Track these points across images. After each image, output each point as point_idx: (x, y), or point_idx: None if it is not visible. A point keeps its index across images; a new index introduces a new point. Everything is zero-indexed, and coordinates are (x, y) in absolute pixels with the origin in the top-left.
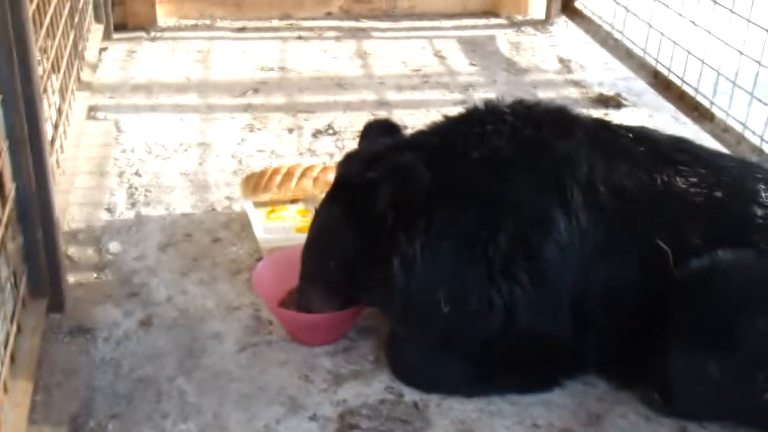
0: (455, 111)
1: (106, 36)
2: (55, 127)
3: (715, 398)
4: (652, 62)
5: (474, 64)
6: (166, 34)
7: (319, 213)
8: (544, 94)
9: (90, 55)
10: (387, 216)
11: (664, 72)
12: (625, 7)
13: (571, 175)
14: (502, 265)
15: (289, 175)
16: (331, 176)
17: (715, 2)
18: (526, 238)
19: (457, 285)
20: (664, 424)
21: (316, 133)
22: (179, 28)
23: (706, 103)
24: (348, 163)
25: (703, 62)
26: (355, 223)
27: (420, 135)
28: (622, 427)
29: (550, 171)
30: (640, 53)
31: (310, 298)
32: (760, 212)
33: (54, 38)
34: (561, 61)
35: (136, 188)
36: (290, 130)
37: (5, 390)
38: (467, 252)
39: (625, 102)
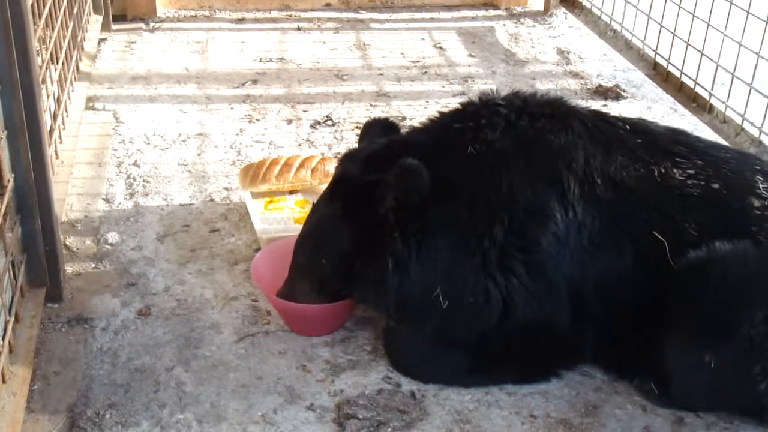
0: (454, 102)
1: (105, 27)
2: (54, 117)
3: (712, 389)
4: (651, 54)
5: (473, 56)
6: (165, 25)
7: (316, 209)
8: (543, 86)
9: (89, 45)
10: (387, 218)
11: (663, 63)
12: None
13: (568, 167)
14: (499, 258)
15: (287, 165)
16: (329, 167)
17: None
18: (523, 231)
19: (454, 278)
20: (661, 414)
21: (315, 124)
22: (178, 19)
23: (704, 95)
24: (348, 162)
25: (702, 53)
26: (352, 223)
27: (416, 133)
28: (619, 417)
29: (547, 163)
30: (639, 44)
31: (296, 290)
32: (757, 204)
33: (53, 29)
34: (560, 52)
35: (135, 179)
36: (289, 121)
37: (3, 379)
38: (463, 245)
39: (623, 93)
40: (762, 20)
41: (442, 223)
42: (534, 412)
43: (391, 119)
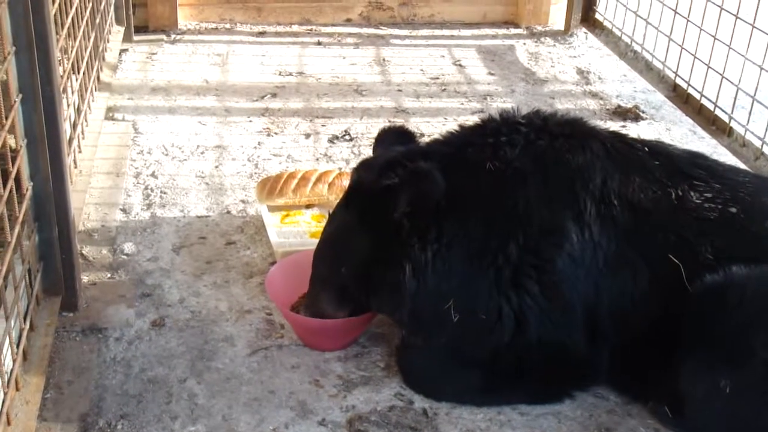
0: (473, 120)
1: (127, 37)
2: (74, 126)
3: (727, 414)
4: (671, 75)
5: (492, 74)
6: (186, 37)
7: (333, 218)
8: (562, 105)
9: (110, 56)
10: (402, 223)
11: (683, 85)
12: (646, 20)
13: (585, 188)
14: (513, 276)
15: (304, 180)
16: (346, 182)
17: (737, 17)
18: (538, 249)
19: (467, 293)
20: None
21: (333, 139)
22: (199, 31)
23: (724, 118)
24: (363, 170)
25: (722, 76)
26: (369, 229)
27: (434, 144)
28: None
29: (564, 183)
30: (659, 66)
31: (319, 302)
32: None
33: (75, 39)
34: (580, 72)
35: (152, 189)
36: (307, 135)
37: (17, 387)
38: (477, 261)
39: (643, 114)
40: None
41: (458, 236)
42: None
43: (406, 127)
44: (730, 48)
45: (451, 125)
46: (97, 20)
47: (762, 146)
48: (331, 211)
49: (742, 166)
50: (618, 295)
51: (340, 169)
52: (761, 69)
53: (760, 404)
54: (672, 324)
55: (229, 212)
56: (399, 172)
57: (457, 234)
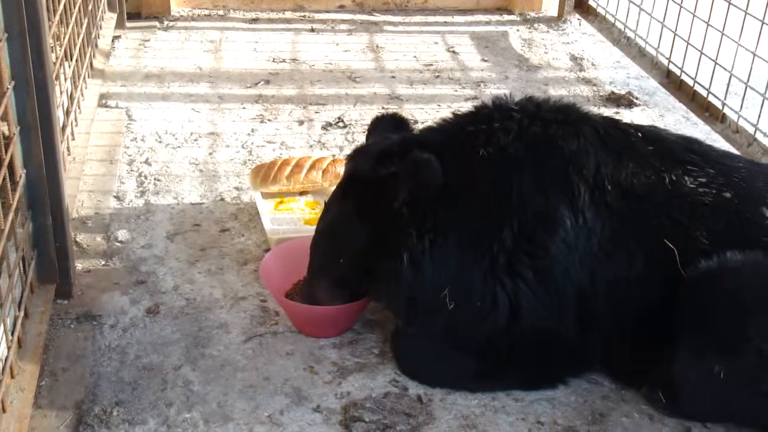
0: (466, 107)
1: (120, 24)
2: (67, 113)
3: (721, 399)
4: (665, 62)
5: (486, 60)
6: (179, 24)
7: (329, 207)
8: (556, 92)
9: (103, 43)
10: (401, 212)
11: (677, 72)
12: (639, 6)
13: (579, 174)
14: (507, 262)
15: (298, 166)
16: (340, 169)
17: (730, 3)
18: (532, 236)
19: (463, 281)
20: (668, 424)
21: (327, 126)
22: (192, 18)
23: (717, 104)
24: (359, 158)
25: (715, 62)
26: (367, 219)
27: (429, 131)
28: (626, 426)
29: (558, 169)
30: (652, 52)
31: (317, 290)
32: None
33: (67, 25)
34: (573, 58)
35: (146, 177)
36: (300, 122)
37: (12, 374)
38: (472, 248)
39: (636, 101)
40: None
41: (453, 224)
42: (541, 419)
43: (400, 115)
44: (723, 34)
45: (445, 112)
46: (90, 7)
47: (755, 132)
48: (326, 199)
49: (735, 152)
50: (612, 280)
51: (333, 155)
52: (754, 55)
53: (752, 390)
54: (666, 309)
55: (223, 199)
56: (396, 161)
57: (452, 222)
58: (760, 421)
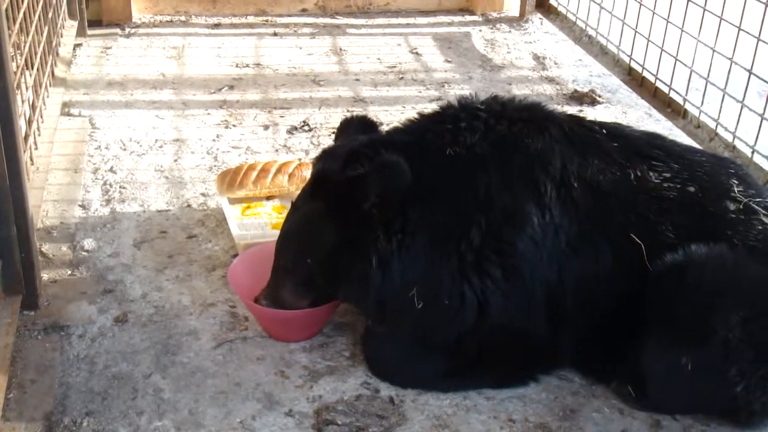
0: (431, 108)
1: (81, 32)
2: (29, 123)
3: (688, 391)
4: (626, 59)
5: (449, 61)
6: (141, 31)
7: (296, 208)
8: (519, 91)
9: (64, 51)
10: (371, 213)
11: (638, 69)
12: (600, 4)
13: (545, 171)
14: (475, 261)
15: (264, 171)
16: (306, 173)
17: (689, 0)
18: (499, 234)
19: (431, 280)
20: (638, 417)
21: (292, 130)
22: (154, 24)
23: (679, 100)
24: (327, 159)
25: (676, 59)
26: (336, 220)
27: (395, 132)
28: (597, 421)
29: (524, 167)
30: (614, 50)
31: (282, 291)
32: (732, 207)
33: (27, 34)
34: (536, 57)
35: (111, 185)
36: (266, 127)
37: None
38: (440, 248)
39: (599, 98)
40: (735, 26)
41: (421, 224)
42: (512, 417)
43: (368, 117)
44: (683, 31)
45: (410, 113)
46: (50, 15)
47: (716, 127)
48: (293, 201)
49: (697, 146)
50: (580, 276)
51: (299, 159)
52: (714, 51)
53: (718, 381)
54: (634, 304)
55: (189, 206)
56: (365, 162)
57: (420, 222)
58: (728, 410)
